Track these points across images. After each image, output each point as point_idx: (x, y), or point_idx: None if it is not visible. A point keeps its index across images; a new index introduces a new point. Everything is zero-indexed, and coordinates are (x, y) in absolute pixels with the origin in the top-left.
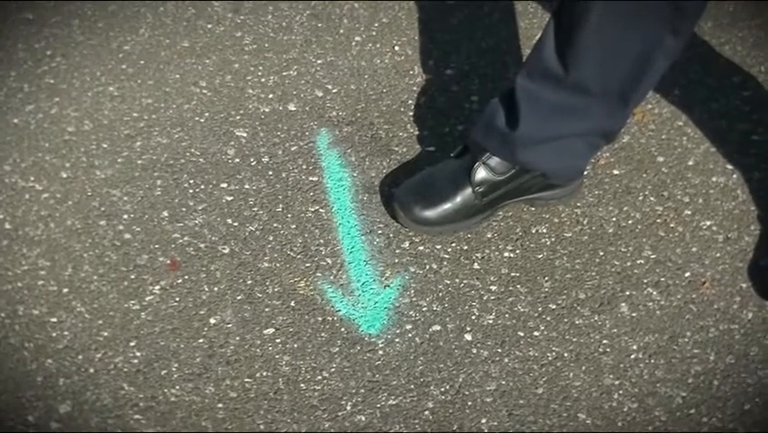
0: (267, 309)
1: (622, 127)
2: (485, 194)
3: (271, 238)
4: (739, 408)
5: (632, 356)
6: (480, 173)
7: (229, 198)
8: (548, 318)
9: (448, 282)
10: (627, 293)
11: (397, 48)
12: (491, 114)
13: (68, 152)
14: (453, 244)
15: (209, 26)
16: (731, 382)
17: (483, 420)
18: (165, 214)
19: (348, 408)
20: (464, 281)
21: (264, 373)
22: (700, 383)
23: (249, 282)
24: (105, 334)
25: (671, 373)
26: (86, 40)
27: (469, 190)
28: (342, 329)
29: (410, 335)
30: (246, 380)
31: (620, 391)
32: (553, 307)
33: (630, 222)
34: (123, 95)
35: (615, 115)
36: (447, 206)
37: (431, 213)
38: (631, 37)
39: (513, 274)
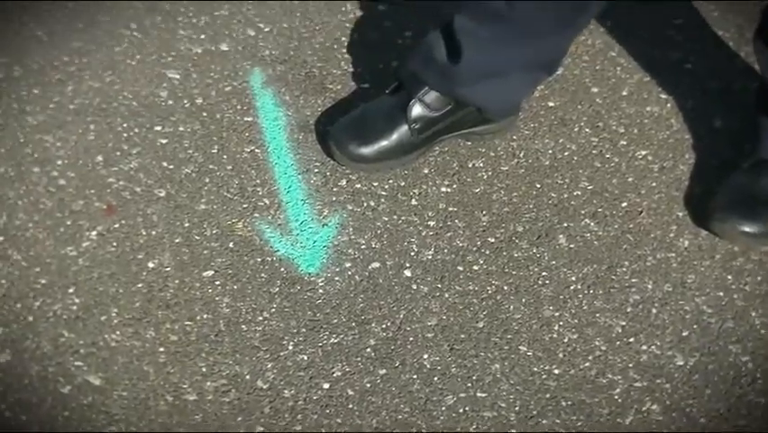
0: (205, 252)
1: (564, 54)
2: (421, 130)
3: (207, 180)
4: (677, 335)
5: (571, 287)
6: (416, 110)
7: (163, 141)
8: (487, 252)
9: (386, 219)
10: (565, 225)
11: None
12: (430, 46)
13: None
14: (390, 181)
15: None
16: (669, 310)
17: (425, 355)
18: (99, 158)
19: (290, 347)
20: (402, 218)
21: (204, 316)
22: (639, 312)
23: (186, 225)
24: (43, 281)
25: (609, 303)
26: None
27: (405, 127)
28: (282, 269)
29: (350, 273)
30: (186, 323)
31: (560, 323)
32: (492, 240)
33: (566, 154)
34: (51, 39)
35: (558, 38)
36: (383, 143)
37: (367, 150)
38: None
39: (450, 209)
